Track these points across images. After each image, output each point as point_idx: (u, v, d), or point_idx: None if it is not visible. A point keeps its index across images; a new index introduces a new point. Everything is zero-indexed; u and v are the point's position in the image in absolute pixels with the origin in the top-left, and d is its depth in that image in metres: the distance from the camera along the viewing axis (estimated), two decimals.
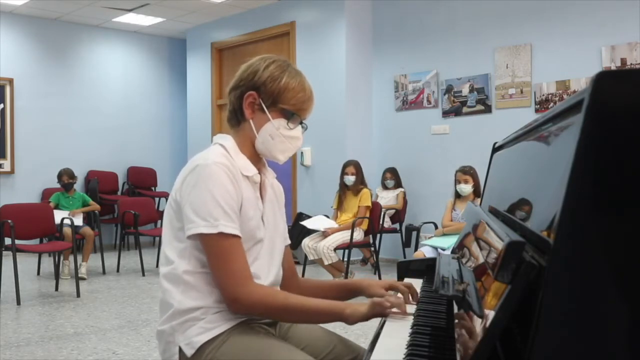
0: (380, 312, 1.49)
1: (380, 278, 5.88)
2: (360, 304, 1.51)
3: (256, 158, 1.66)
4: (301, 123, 1.66)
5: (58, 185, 6.93)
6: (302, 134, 1.68)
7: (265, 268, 1.61)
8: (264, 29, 8.08)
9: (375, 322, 1.49)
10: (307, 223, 5.80)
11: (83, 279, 6.09)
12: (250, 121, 1.62)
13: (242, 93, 1.62)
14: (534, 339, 0.81)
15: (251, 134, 1.63)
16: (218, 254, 1.47)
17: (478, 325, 0.99)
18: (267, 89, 1.59)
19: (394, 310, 1.50)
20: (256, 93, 1.60)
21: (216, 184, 1.48)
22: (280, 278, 1.71)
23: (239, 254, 1.49)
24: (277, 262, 1.68)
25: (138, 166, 9.28)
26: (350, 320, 1.48)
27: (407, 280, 1.99)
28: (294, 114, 1.61)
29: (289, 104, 1.60)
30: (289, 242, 1.78)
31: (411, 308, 1.56)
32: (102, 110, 9.00)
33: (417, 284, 1.88)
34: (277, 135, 1.61)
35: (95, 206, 6.98)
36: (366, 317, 1.49)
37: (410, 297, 1.62)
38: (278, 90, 1.59)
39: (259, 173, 1.64)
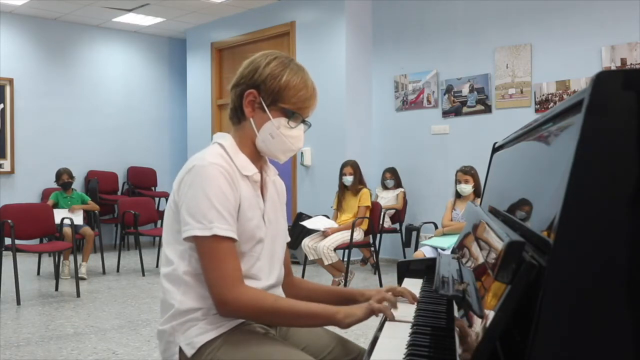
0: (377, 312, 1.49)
1: (380, 278, 5.89)
2: (356, 307, 1.50)
3: (257, 156, 1.63)
4: (304, 121, 1.62)
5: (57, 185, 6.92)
6: (305, 132, 1.64)
7: (266, 268, 1.60)
8: (264, 29, 8.08)
9: (375, 322, 1.49)
10: (307, 223, 5.80)
11: (83, 279, 6.09)
12: (251, 120, 1.59)
13: (242, 91, 1.58)
14: (534, 339, 0.81)
15: (252, 133, 1.60)
16: (210, 256, 1.45)
17: (478, 325, 0.99)
18: (267, 87, 1.56)
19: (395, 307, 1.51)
20: (256, 91, 1.57)
21: (212, 186, 1.46)
22: (282, 278, 1.69)
23: (231, 257, 1.47)
24: (279, 261, 1.67)
25: (138, 166, 9.28)
26: (343, 324, 1.46)
27: (407, 280, 2.00)
28: (295, 112, 1.58)
29: (289, 102, 1.57)
30: (288, 239, 1.76)
31: (411, 308, 1.56)
32: (102, 110, 9.00)
33: (417, 284, 1.88)
34: (277, 135, 1.58)
35: (94, 206, 6.97)
36: (361, 321, 1.48)
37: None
38: (278, 89, 1.55)
39: (261, 171, 1.62)
